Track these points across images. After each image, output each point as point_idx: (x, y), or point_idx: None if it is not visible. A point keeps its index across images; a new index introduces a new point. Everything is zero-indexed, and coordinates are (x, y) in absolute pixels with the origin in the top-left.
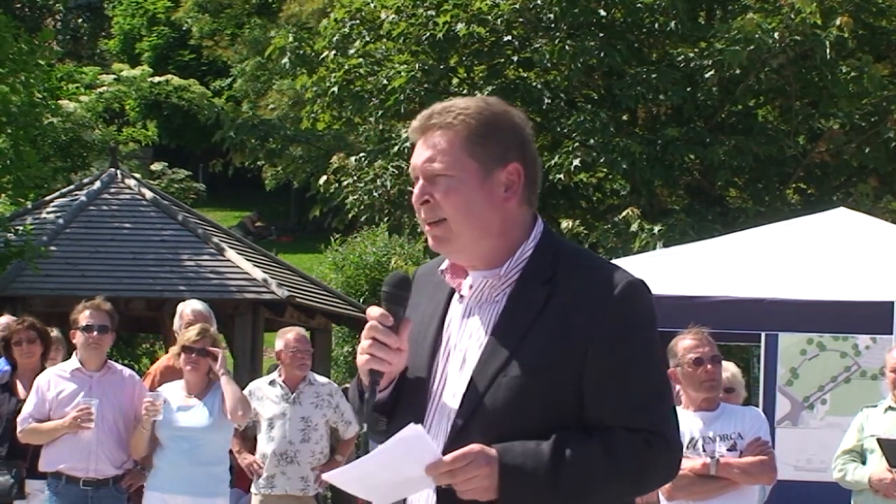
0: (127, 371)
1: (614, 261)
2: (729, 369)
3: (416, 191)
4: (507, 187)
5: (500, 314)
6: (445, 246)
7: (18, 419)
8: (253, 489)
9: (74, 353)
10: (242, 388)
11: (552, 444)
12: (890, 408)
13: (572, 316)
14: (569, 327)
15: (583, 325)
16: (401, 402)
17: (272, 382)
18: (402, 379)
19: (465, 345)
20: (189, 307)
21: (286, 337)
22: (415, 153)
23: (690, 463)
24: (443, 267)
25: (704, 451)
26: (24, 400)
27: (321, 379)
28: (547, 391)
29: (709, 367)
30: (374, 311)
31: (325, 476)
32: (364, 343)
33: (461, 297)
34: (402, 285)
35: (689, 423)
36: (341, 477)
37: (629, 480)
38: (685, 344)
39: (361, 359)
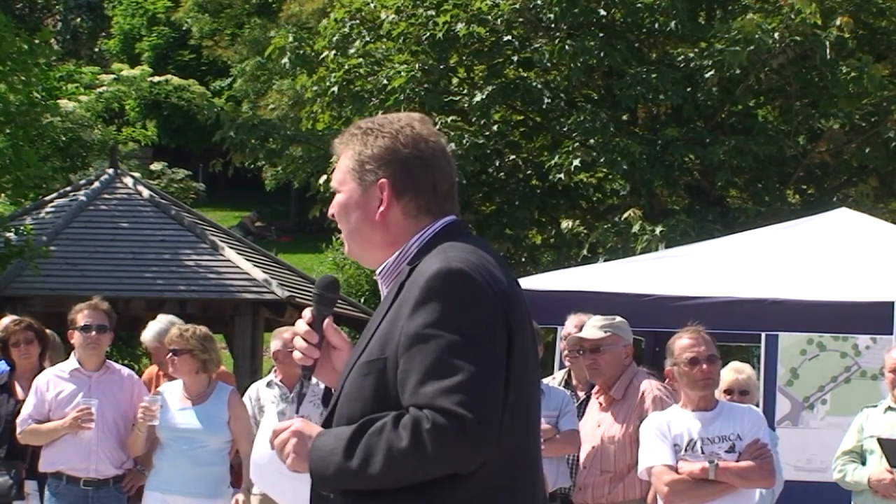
0: (126, 371)
1: (615, 261)
2: (745, 371)
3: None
4: (379, 202)
5: (375, 313)
6: (349, 254)
7: (18, 420)
8: (252, 489)
9: (73, 353)
10: (242, 392)
11: (356, 426)
12: (890, 408)
13: (402, 305)
14: (397, 316)
15: (405, 312)
16: None
17: (269, 384)
18: None
19: None
20: (145, 336)
21: (283, 336)
22: None
23: (689, 467)
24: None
25: (703, 453)
26: (23, 401)
27: (314, 379)
28: (378, 377)
29: (704, 366)
30: (304, 312)
31: (251, 475)
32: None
33: None
34: (329, 287)
35: (688, 423)
36: (254, 471)
37: (409, 456)
38: (681, 343)
39: (293, 355)
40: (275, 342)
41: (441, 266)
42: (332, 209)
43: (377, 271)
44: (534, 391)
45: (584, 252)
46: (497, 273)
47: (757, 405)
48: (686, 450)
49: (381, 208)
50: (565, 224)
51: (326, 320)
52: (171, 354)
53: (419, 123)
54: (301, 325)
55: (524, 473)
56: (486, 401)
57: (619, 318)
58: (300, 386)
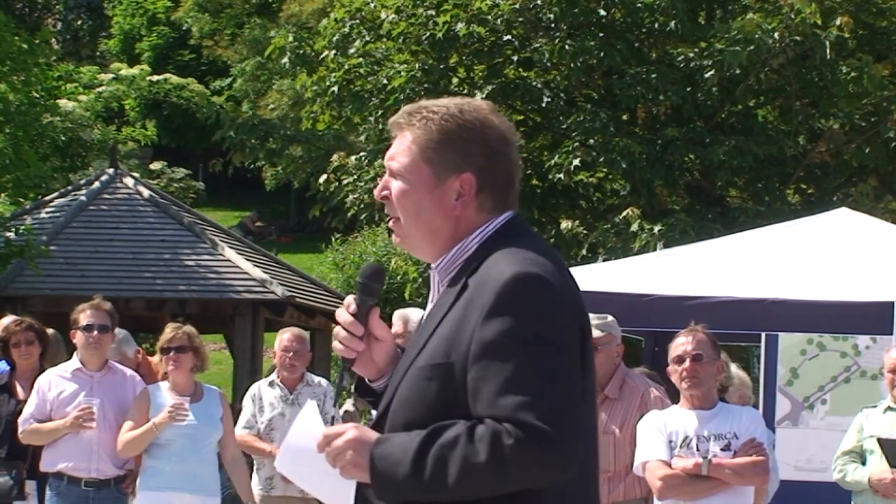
0: (128, 371)
1: (614, 261)
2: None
3: (380, 184)
4: (458, 196)
5: (430, 310)
6: (400, 242)
7: (20, 420)
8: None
9: (75, 353)
10: (243, 391)
11: (424, 435)
12: (889, 408)
13: (469, 306)
14: (464, 317)
15: (474, 315)
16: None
17: (271, 384)
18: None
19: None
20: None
21: (281, 337)
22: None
23: (682, 462)
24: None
25: (698, 450)
26: (23, 401)
27: (316, 379)
28: (442, 381)
29: (688, 363)
30: (346, 300)
31: (276, 465)
32: (335, 331)
33: None
34: (374, 276)
35: (684, 421)
36: (283, 462)
37: (490, 474)
38: (675, 342)
39: (334, 346)
40: (276, 344)
41: (518, 270)
42: (390, 193)
43: (434, 265)
44: (595, 397)
45: (584, 252)
46: (567, 275)
47: (756, 405)
48: (681, 446)
49: (460, 203)
50: (565, 224)
51: (371, 311)
52: (173, 353)
53: (493, 114)
54: (344, 316)
55: (591, 485)
56: (567, 415)
57: (610, 318)
58: (340, 378)
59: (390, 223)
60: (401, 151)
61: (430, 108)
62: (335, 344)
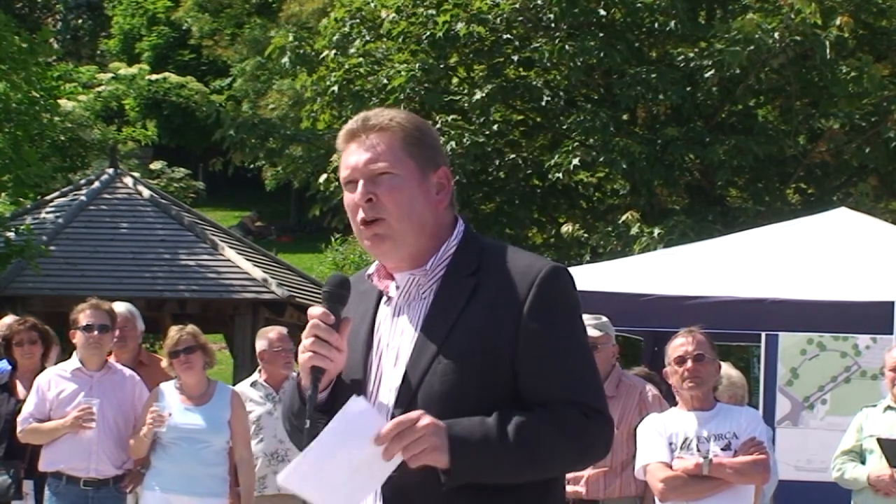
0: (127, 371)
1: (615, 261)
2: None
3: (358, 190)
4: (438, 190)
5: (429, 307)
6: (384, 244)
7: (19, 419)
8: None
9: (74, 353)
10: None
11: (497, 418)
12: (889, 407)
13: (499, 300)
14: (497, 310)
15: (510, 308)
16: (337, 406)
17: (254, 384)
18: (338, 383)
19: (397, 342)
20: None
21: (268, 336)
22: (349, 156)
23: (683, 463)
24: (370, 271)
25: (698, 450)
26: (24, 400)
27: None
28: (481, 373)
29: (690, 364)
30: (315, 311)
31: (280, 480)
32: (306, 342)
33: (389, 298)
34: (343, 285)
35: (684, 422)
36: (296, 476)
37: (573, 451)
38: (673, 343)
39: (303, 357)
40: (260, 342)
41: (553, 265)
42: (376, 195)
43: (430, 264)
44: None
45: (587, 257)
46: None
47: (756, 405)
48: (681, 448)
49: (442, 196)
50: (566, 228)
51: (345, 322)
52: (182, 355)
53: None
54: (322, 326)
55: None
56: (604, 395)
57: (604, 318)
58: (314, 389)
59: (365, 229)
60: (382, 152)
61: (389, 112)
62: (305, 355)
